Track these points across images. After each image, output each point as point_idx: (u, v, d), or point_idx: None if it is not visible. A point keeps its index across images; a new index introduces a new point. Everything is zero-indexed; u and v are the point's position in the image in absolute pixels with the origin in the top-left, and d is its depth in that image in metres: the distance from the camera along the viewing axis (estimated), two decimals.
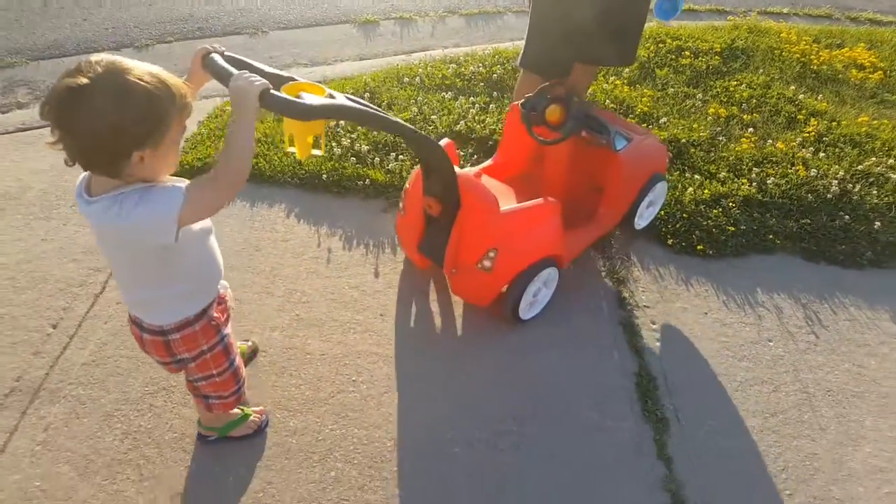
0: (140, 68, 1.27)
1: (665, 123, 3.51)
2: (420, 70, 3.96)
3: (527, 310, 2.34)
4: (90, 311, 2.29)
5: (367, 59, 4.46)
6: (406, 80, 3.87)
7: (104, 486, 1.79)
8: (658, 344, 2.34)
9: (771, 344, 2.38)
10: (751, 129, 3.53)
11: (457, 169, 2.13)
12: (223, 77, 1.44)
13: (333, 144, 3.17)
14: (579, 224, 2.51)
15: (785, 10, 5.85)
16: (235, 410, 1.90)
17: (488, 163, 2.75)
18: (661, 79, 4.02)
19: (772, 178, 3.10)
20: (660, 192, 2.71)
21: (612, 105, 3.65)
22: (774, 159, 3.27)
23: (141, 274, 1.48)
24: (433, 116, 3.46)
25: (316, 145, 1.55)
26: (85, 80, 1.21)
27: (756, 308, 2.53)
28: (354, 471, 1.87)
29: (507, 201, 2.42)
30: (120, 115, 1.23)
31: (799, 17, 5.76)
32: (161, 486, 1.80)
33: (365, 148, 3.17)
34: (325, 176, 2.99)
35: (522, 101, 2.42)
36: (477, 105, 3.61)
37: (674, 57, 4.30)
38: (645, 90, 3.86)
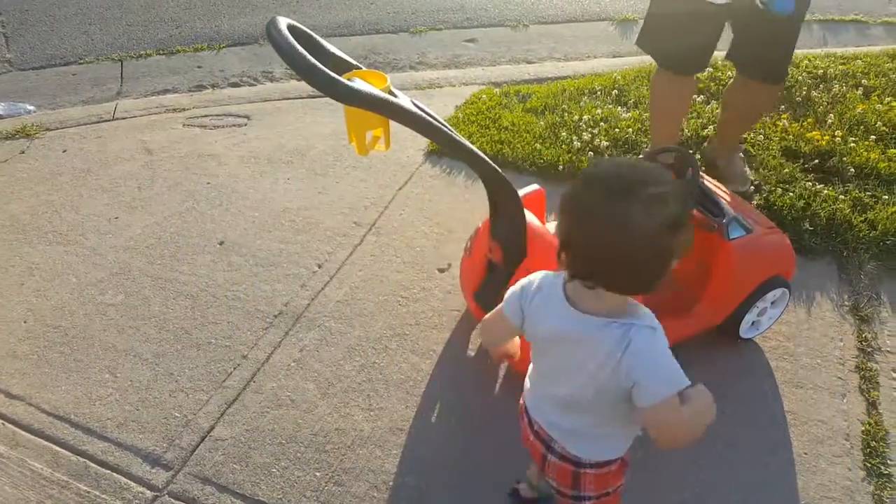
0: None
1: None
2: None
3: None
4: (349, 258, 2.65)
5: (621, 57, 4.48)
6: None
7: (338, 408, 2.08)
8: None
9: None
10: None
11: (531, 218, 1.90)
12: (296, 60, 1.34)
13: (574, 138, 3.27)
14: (672, 313, 2.07)
15: None
16: None
17: None
18: None
19: None
20: (778, 300, 2.23)
21: (885, 128, 3.31)
22: None
23: (592, 406, 1.27)
24: None
25: (379, 143, 1.48)
26: (664, 189, 1.06)
27: None
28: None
29: None
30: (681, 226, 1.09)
31: None
32: (384, 418, 2.05)
33: (605, 143, 3.23)
34: (561, 167, 3.11)
35: None
36: None
37: None
38: None
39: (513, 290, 1.34)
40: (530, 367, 1.43)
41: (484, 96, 3.77)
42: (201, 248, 2.72)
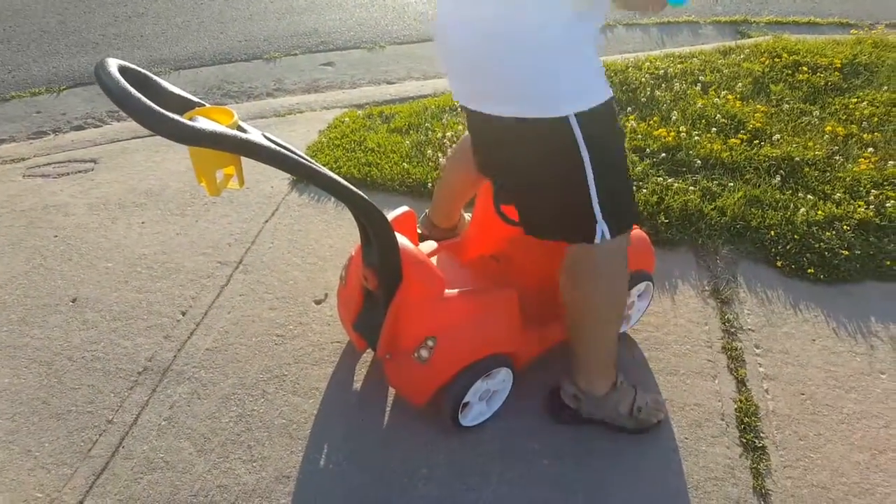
0: None
1: (778, 140, 3.40)
2: None
3: (470, 415, 2.04)
4: (215, 301, 2.51)
5: None
6: None
7: (218, 464, 1.95)
8: (761, 370, 2.27)
9: (883, 377, 2.25)
10: (871, 150, 3.35)
11: (403, 240, 1.90)
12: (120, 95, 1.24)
13: (440, 155, 3.29)
14: (547, 320, 2.16)
15: None
16: None
17: (455, 239, 2.46)
18: (776, 94, 3.89)
19: (892, 201, 2.94)
20: (644, 293, 2.33)
21: (724, 120, 3.57)
22: None
23: None
24: None
25: (232, 181, 1.44)
26: None
27: (869, 338, 2.41)
28: (444, 472, 1.96)
29: (463, 285, 2.08)
30: None
31: None
32: (268, 468, 1.94)
33: None
34: (430, 184, 3.12)
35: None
36: None
37: (790, 72, 4.15)
38: (758, 106, 3.75)
39: None
40: None
41: (347, 119, 3.73)
42: (52, 308, 2.50)
